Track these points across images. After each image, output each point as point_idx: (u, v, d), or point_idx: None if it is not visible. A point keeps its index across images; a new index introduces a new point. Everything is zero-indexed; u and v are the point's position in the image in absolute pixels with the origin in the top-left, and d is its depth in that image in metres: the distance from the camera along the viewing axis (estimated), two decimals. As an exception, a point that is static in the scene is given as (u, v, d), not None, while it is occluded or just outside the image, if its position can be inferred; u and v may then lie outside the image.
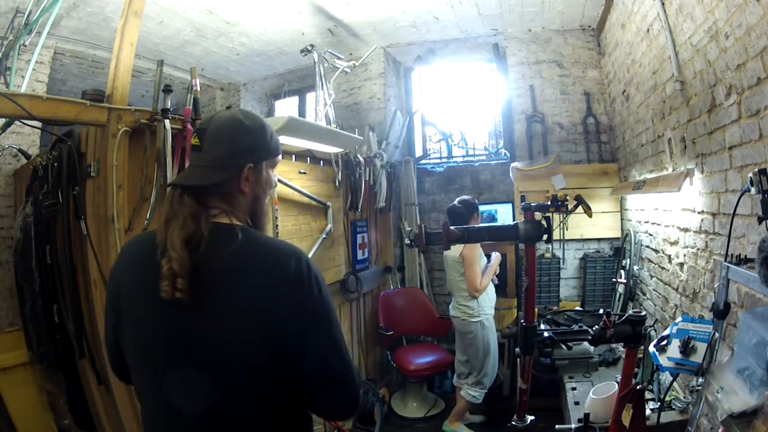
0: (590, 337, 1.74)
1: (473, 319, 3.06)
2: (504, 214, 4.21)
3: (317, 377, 0.91)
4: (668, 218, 2.60)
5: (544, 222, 1.69)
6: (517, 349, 1.85)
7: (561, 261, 3.88)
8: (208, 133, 0.95)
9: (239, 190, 0.96)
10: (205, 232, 0.88)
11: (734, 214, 1.58)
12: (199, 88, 2.18)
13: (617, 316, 1.77)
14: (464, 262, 3.01)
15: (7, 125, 2.75)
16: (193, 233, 0.87)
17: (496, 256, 3.22)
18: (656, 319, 2.69)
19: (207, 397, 0.86)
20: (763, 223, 1.31)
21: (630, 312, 1.71)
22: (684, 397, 2.09)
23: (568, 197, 1.75)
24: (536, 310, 2.36)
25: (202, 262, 0.85)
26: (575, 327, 1.97)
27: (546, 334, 1.78)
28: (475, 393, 3.11)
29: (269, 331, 0.86)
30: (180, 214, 0.89)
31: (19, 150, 3.09)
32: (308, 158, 3.11)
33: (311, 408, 0.98)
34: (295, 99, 5.29)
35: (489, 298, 3.14)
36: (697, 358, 1.58)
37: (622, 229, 3.76)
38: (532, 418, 1.97)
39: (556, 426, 2.23)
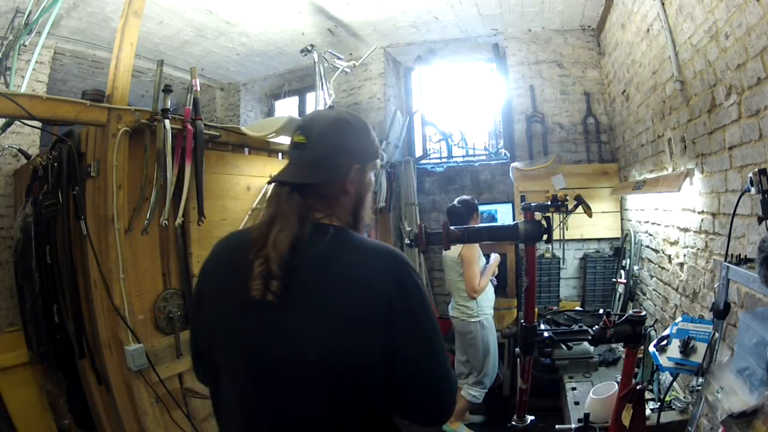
0: (590, 337, 1.74)
1: (472, 320, 3.06)
2: (504, 214, 4.21)
3: (412, 383, 0.86)
4: (668, 218, 2.60)
5: (544, 222, 1.69)
6: (517, 349, 1.84)
7: (561, 261, 3.87)
8: (315, 131, 0.92)
9: (344, 191, 0.93)
10: (307, 233, 0.86)
11: (734, 214, 1.58)
12: (199, 88, 2.18)
13: (617, 316, 1.76)
14: (463, 262, 3.02)
15: (7, 125, 2.75)
16: (297, 234, 0.85)
17: (495, 257, 3.22)
18: (656, 319, 2.69)
19: (279, 396, 0.84)
20: (763, 223, 1.31)
21: (630, 312, 1.71)
22: (684, 397, 2.09)
23: (568, 197, 1.75)
24: (536, 310, 2.36)
25: (296, 263, 0.83)
26: (575, 327, 1.97)
27: (546, 334, 1.77)
28: (475, 393, 3.12)
29: (351, 336, 0.81)
30: (288, 214, 0.86)
31: (19, 150, 3.09)
32: (308, 158, 3.11)
33: (404, 413, 0.91)
34: (295, 99, 5.29)
35: (488, 298, 3.14)
36: (697, 358, 1.58)
37: (622, 229, 3.76)
38: (532, 418, 1.97)
39: (556, 426, 2.23)
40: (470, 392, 3.11)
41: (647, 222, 3.07)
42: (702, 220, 2.10)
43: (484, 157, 4.57)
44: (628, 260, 3.26)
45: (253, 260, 0.83)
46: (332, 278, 0.84)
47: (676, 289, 2.44)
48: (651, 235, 2.98)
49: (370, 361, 0.82)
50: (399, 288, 0.84)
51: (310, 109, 4.89)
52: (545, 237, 1.69)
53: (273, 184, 0.95)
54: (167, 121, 1.95)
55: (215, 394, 0.95)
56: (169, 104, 2.02)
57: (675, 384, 2.16)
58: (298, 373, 0.83)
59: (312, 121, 0.96)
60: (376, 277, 0.83)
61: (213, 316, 0.93)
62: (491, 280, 3.19)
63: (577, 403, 2.46)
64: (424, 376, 0.87)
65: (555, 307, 3.66)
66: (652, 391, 2.18)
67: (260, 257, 0.83)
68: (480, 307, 3.07)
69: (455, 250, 2.99)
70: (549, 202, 1.74)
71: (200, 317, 0.97)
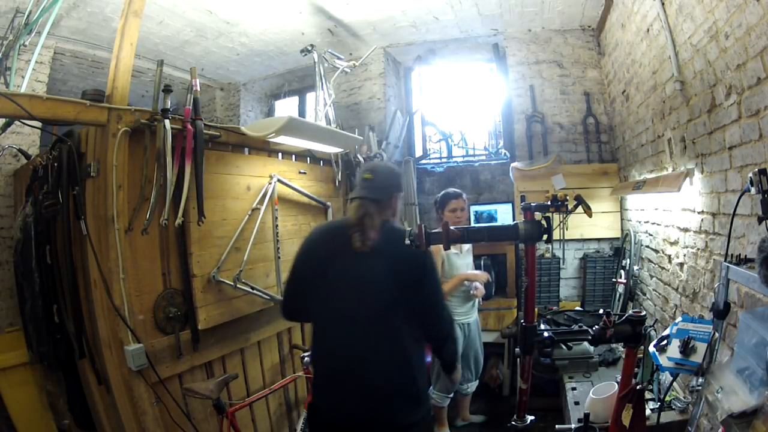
0: (590, 337, 1.74)
1: None
2: (504, 214, 4.21)
3: (425, 309, 1.62)
4: (668, 218, 2.60)
5: (544, 222, 1.68)
6: (517, 349, 1.84)
7: (561, 261, 3.88)
8: (377, 172, 1.73)
9: (390, 206, 1.72)
10: (379, 222, 1.62)
11: (734, 214, 1.58)
12: (199, 88, 2.18)
13: (617, 316, 1.76)
14: None
15: (7, 125, 2.76)
16: (376, 222, 1.61)
17: (459, 277, 2.81)
18: (656, 319, 2.69)
19: (368, 309, 1.55)
20: (763, 223, 1.31)
21: (630, 312, 1.71)
22: (684, 397, 2.09)
23: (568, 197, 1.74)
24: (536, 310, 2.36)
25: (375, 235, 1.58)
26: (575, 327, 1.96)
27: (546, 334, 1.77)
28: (433, 394, 2.96)
29: (398, 275, 1.56)
30: (372, 212, 1.62)
31: (19, 150, 3.09)
32: (308, 158, 3.11)
33: (425, 337, 1.68)
34: (295, 99, 5.30)
35: (452, 305, 2.82)
36: (697, 358, 1.58)
37: (622, 229, 3.76)
38: (532, 418, 1.96)
39: (556, 426, 2.23)
40: (431, 393, 2.97)
41: (647, 222, 3.07)
42: (702, 220, 2.10)
43: (484, 157, 4.57)
44: (628, 260, 3.26)
45: (353, 233, 1.58)
46: (388, 243, 1.59)
47: (676, 289, 2.44)
48: (651, 235, 2.98)
49: (411, 291, 1.56)
50: (424, 258, 1.61)
51: (310, 109, 4.89)
52: (545, 237, 1.68)
53: (354, 198, 1.72)
54: (167, 121, 1.95)
55: (322, 319, 1.67)
56: (169, 104, 2.01)
57: (675, 384, 2.17)
58: (376, 295, 1.56)
59: (375, 167, 1.81)
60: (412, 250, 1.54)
61: (316, 265, 1.65)
62: (468, 288, 2.86)
63: (577, 403, 2.46)
64: (431, 306, 1.64)
65: (555, 307, 3.66)
66: (652, 391, 2.18)
67: (359, 231, 1.58)
68: None
69: None
70: (549, 202, 1.74)
71: (304, 267, 1.70)
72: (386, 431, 1.54)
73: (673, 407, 2.08)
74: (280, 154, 2.84)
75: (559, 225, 1.94)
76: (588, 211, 1.74)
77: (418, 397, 1.57)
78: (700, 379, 1.63)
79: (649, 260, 3.01)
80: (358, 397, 1.53)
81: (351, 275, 1.58)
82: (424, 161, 4.64)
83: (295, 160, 2.97)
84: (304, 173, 2.97)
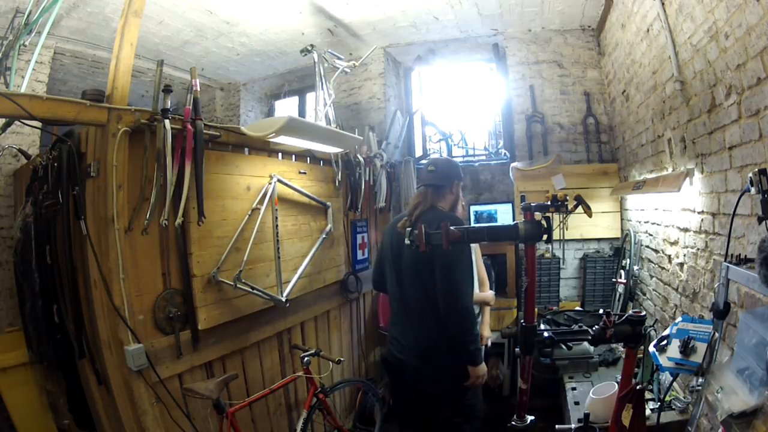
0: (590, 337, 1.74)
1: None
2: (504, 214, 4.21)
3: (440, 292, 1.94)
4: (668, 218, 2.60)
5: (544, 222, 1.68)
6: (517, 349, 1.84)
7: (561, 261, 3.88)
8: (438, 165, 2.15)
9: (450, 192, 2.14)
10: (428, 208, 2.06)
11: (734, 214, 1.58)
12: (199, 88, 2.17)
13: (617, 316, 1.76)
14: None
15: (7, 125, 2.75)
16: (426, 210, 2.04)
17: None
18: (656, 319, 2.69)
19: (420, 290, 2.01)
20: (763, 223, 1.31)
21: (630, 312, 1.71)
22: (684, 397, 2.09)
23: (568, 197, 1.74)
24: (536, 310, 2.36)
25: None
26: (575, 327, 1.96)
27: (546, 334, 1.77)
28: None
29: (433, 261, 1.91)
30: (426, 200, 2.08)
31: (19, 150, 3.09)
32: (308, 158, 3.11)
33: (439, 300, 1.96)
34: (295, 99, 5.30)
35: None
36: (697, 358, 1.58)
37: (622, 229, 3.76)
38: (532, 418, 1.96)
39: (556, 426, 2.23)
40: None
41: (647, 222, 3.07)
42: (702, 220, 2.10)
43: (484, 157, 4.57)
44: (628, 260, 3.27)
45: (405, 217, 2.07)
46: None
47: (676, 289, 2.44)
48: (651, 235, 2.98)
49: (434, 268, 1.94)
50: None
51: (310, 109, 4.90)
52: (545, 237, 1.68)
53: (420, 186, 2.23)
54: (167, 121, 1.95)
55: (393, 295, 2.22)
56: (169, 104, 2.01)
57: (675, 384, 2.17)
58: (425, 279, 1.98)
59: (436, 160, 2.22)
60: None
61: (388, 251, 2.20)
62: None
63: (577, 403, 2.47)
64: (445, 290, 1.93)
65: (555, 307, 3.66)
66: (652, 391, 2.18)
67: (411, 213, 2.06)
68: None
69: None
70: (549, 202, 1.74)
71: (382, 247, 2.32)
72: (428, 375, 2.05)
73: (673, 407, 2.08)
74: (280, 154, 2.84)
75: (559, 225, 1.95)
76: (588, 211, 1.74)
77: (448, 354, 2.02)
78: (700, 379, 1.63)
79: (649, 260, 3.01)
80: (412, 353, 2.08)
81: (404, 260, 2.07)
82: (424, 161, 4.63)
83: (295, 160, 2.97)
84: (304, 173, 2.97)
